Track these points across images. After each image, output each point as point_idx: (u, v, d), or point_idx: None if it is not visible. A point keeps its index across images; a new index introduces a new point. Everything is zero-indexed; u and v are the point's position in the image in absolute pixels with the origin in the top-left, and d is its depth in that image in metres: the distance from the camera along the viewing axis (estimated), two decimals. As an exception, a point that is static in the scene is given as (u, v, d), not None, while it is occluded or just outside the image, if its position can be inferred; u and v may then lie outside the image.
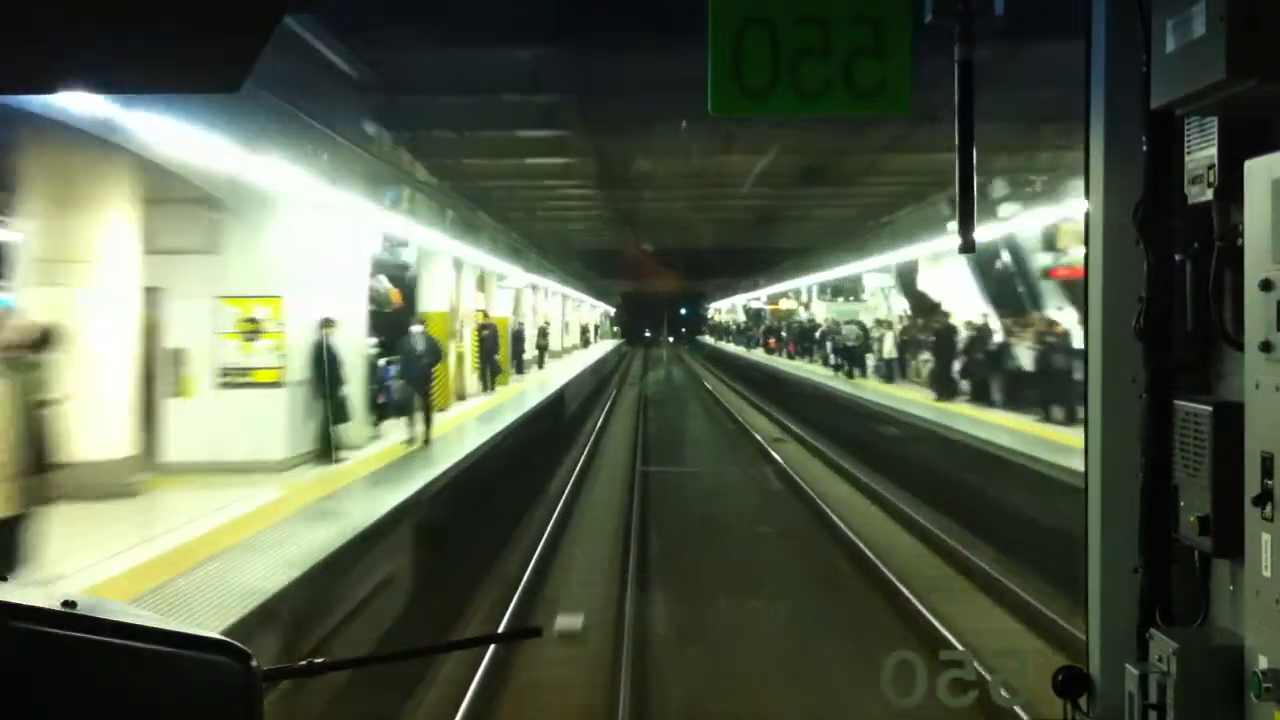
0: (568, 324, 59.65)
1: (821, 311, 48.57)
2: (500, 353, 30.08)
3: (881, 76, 2.62)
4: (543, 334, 43.76)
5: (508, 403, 25.33)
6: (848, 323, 37.40)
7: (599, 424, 31.75)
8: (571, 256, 55.44)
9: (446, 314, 23.68)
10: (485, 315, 29.23)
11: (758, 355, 55.09)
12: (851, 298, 46.54)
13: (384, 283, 22.11)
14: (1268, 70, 2.11)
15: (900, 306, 36.72)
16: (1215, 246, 2.36)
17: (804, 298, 55.71)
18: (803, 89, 2.62)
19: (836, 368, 35.11)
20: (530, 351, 39.51)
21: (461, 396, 24.96)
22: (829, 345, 37.21)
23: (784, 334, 52.73)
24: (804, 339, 46.08)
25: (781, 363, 46.04)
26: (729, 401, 40.75)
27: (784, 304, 62.78)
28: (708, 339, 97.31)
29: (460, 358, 25.32)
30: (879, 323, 35.55)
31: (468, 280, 27.31)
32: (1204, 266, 2.39)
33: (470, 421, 21.19)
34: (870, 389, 28.61)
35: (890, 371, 30.83)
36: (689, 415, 37.16)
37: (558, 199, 31.66)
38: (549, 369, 40.49)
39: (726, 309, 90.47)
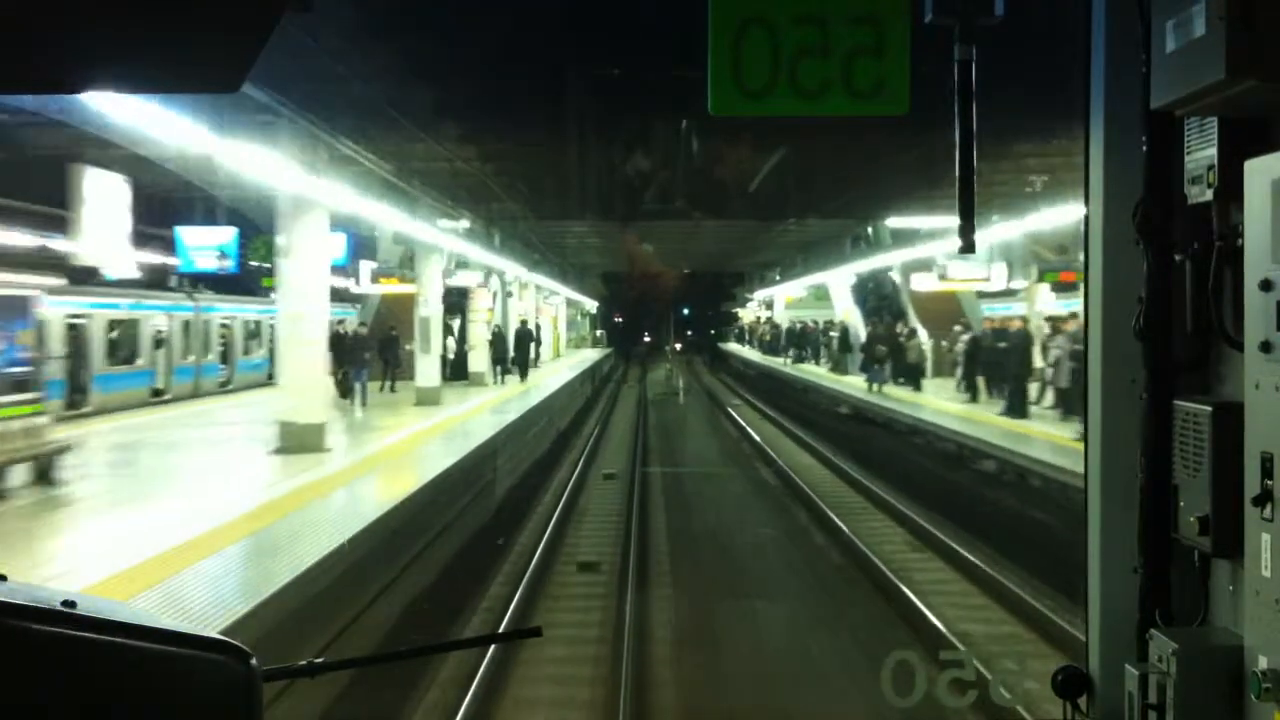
0: (447, 327, 31.86)
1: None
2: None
3: (881, 76, 2.61)
4: None
5: None
6: None
7: None
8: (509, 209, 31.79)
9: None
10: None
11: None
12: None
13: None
14: (1267, 70, 2.11)
15: None
16: (1215, 246, 2.36)
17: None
18: (802, 89, 2.62)
19: None
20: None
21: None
22: None
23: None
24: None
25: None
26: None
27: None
28: (748, 353, 59.43)
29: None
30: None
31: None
32: (1204, 266, 2.39)
33: None
34: None
35: None
36: None
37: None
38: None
39: (789, 297, 54.16)
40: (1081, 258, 2.75)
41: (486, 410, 24.83)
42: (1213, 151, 2.36)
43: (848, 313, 41.11)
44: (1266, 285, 2.15)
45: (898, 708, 3.03)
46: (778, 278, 56.21)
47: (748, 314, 69.75)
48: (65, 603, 1.47)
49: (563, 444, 27.16)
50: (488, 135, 23.00)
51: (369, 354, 26.40)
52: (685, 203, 28.02)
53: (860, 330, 37.42)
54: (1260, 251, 2.18)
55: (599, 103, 19.23)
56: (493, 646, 9.85)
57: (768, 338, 56.33)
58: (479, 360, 32.81)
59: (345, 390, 25.36)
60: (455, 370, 31.69)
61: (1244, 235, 2.26)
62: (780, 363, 46.97)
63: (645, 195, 27.60)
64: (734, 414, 35.27)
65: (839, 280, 42.07)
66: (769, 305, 60.84)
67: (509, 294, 40.21)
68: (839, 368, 37.40)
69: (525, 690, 9.80)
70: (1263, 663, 2.16)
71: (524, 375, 34.33)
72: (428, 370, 25.56)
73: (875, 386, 29.59)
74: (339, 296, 34.85)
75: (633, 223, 34.27)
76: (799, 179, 24.66)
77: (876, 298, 40.43)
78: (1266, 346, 2.16)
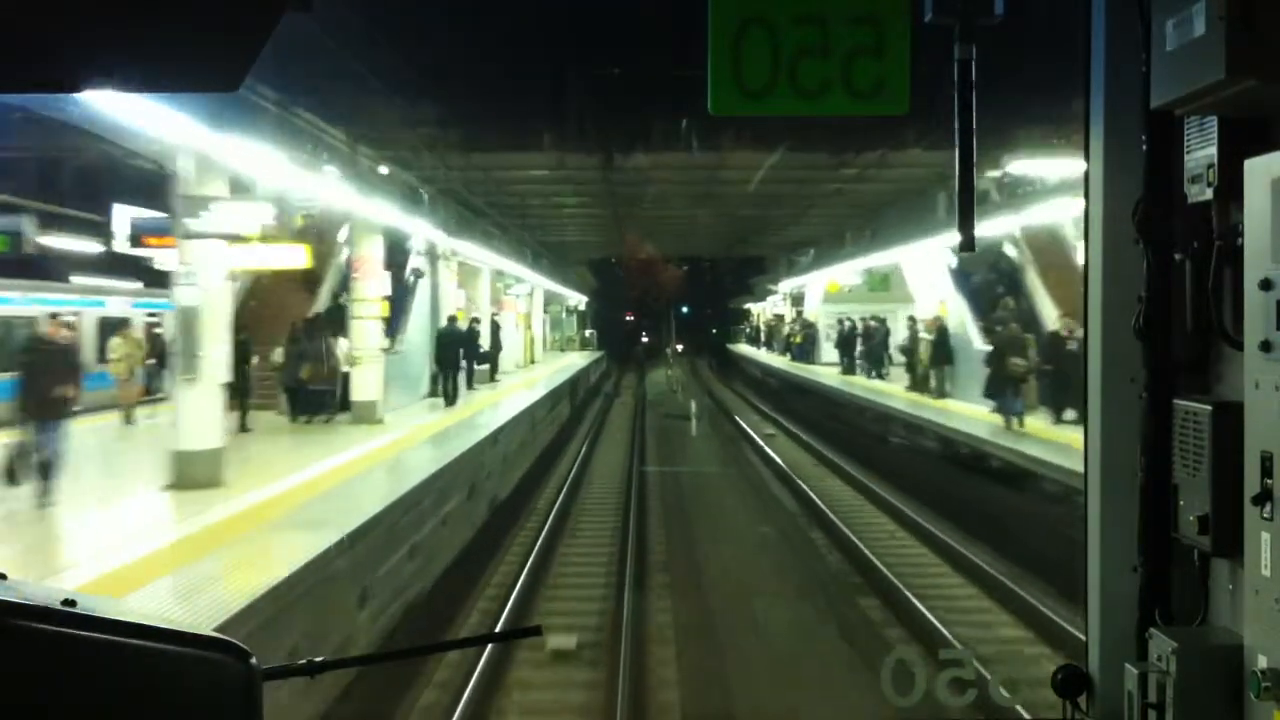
0: (340, 310, 22.39)
1: None
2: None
3: (881, 76, 2.61)
4: None
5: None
6: None
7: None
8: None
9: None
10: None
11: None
12: None
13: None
14: (1267, 70, 2.12)
15: None
16: (1215, 246, 2.36)
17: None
18: (802, 89, 2.62)
19: None
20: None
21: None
22: None
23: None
24: None
25: None
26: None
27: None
28: (766, 357, 47.24)
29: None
30: None
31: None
32: (1204, 266, 2.39)
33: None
34: None
35: None
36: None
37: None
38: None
39: (832, 284, 39.87)
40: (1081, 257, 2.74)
41: (319, 502, 11.86)
42: (1212, 151, 2.36)
43: (943, 306, 26.79)
44: (1266, 285, 2.15)
45: (897, 707, 3.03)
46: (810, 261, 42.86)
47: (765, 310, 55.14)
48: (65, 601, 1.47)
49: (489, 545, 15.41)
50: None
51: (68, 389, 12.11)
52: (710, 132, 20.66)
53: (971, 332, 24.58)
54: (1260, 251, 2.18)
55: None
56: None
57: (798, 339, 42.77)
58: (368, 382, 20.06)
59: (10, 470, 12.19)
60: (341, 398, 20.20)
61: (1244, 234, 2.26)
62: (825, 373, 34.25)
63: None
64: (772, 455, 23.62)
65: (923, 260, 28.54)
66: (797, 299, 46.30)
67: (419, 273, 25.84)
68: (924, 385, 24.86)
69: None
70: (1262, 662, 2.16)
71: (451, 399, 23.44)
72: (199, 414, 12.80)
73: (1014, 422, 18.77)
74: (157, 281, 20.52)
75: (631, 159, 24.64)
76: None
77: (993, 280, 25.38)
78: (1266, 346, 2.16)
